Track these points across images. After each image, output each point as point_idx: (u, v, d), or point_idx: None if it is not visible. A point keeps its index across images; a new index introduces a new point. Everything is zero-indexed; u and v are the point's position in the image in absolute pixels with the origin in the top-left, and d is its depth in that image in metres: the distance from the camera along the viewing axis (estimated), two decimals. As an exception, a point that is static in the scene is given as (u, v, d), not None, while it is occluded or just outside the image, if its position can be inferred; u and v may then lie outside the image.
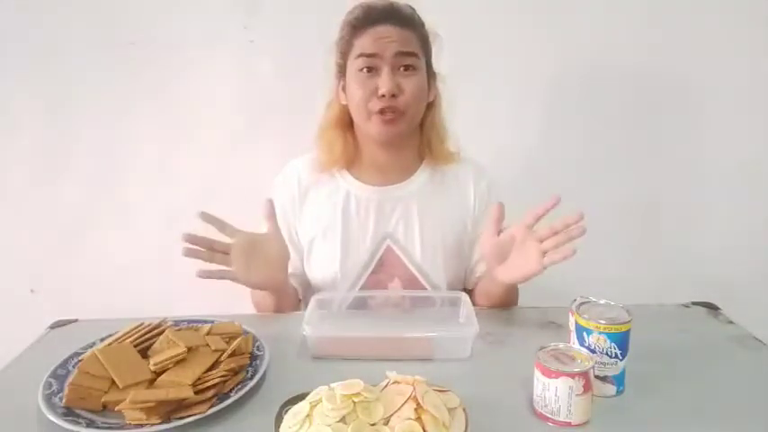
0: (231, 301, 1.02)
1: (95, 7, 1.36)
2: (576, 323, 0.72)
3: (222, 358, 0.74)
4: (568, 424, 0.65)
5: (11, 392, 0.76)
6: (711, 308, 0.97)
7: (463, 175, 1.10)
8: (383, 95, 0.96)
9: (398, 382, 0.64)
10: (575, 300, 0.75)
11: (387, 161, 1.07)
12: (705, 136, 1.45)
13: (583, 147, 1.45)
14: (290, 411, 0.62)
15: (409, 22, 1.00)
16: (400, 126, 1.00)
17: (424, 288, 1.05)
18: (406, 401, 0.60)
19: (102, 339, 0.82)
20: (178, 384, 0.68)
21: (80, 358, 0.77)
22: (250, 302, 1.07)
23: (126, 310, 0.93)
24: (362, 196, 1.07)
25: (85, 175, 1.45)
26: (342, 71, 1.04)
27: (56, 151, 1.44)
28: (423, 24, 1.03)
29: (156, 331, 0.80)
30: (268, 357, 0.78)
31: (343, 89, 1.04)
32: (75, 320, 0.97)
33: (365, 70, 0.98)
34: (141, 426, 0.64)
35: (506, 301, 1.01)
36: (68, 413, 0.67)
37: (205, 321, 0.86)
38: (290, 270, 1.05)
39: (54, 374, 0.75)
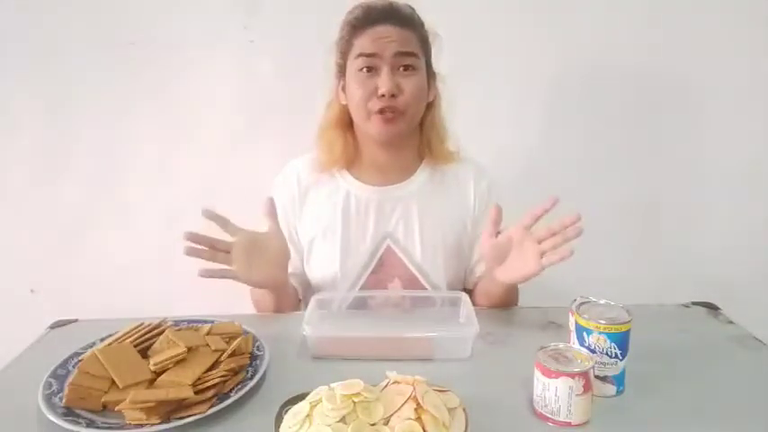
0: (231, 301, 1.02)
1: (95, 7, 1.37)
2: (576, 323, 0.72)
3: (222, 358, 0.74)
4: (568, 424, 0.65)
5: (11, 392, 0.76)
6: (711, 308, 0.97)
7: (463, 175, 1.10)
8: (383, 95, 0.96)
9: (398, 382, 0.64)
10: (575, 300, 0.75)
11: (386, 161, 1.07)
12: (705, 136, 1.45)
13: (583, 147, 1.45)
14: (290, 411, 0.62)
15: (409, 21, 1.00)
16: (400, 126, 1.00)
17: (424, 288, 1.05)
18: (406, 401, 0.60)
19: (102, 339, 0.82)
20: (178, 384, 0.68)
21: (80, 358, 0.77)
22: (250, 302, 1.07)
23: (126, 310, 0.93)
24: (362, 196, 1.07)
25: (85, 175, 1.45)
26: (342, 71, 1.04)
27: (56, 151, 1.44)
28: (422, 24, 1.03)
29: (156, 331, 0.80)
30: (268, 357, 0.78)
31: (343, 89, 1.04)
32: (75, 320, 0.97)
33: (365, 70, 0.98)
34: (141, 426, 0.64)
35: (506, 301, 1.01)
36: (68, 413, 0.67)
37: (205, 321, 0.86)
38: (289, 270, 1.05)
39: (54, 374, 0.75)
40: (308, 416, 0.60)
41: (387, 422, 0.59)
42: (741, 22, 1.37)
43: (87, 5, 1.36)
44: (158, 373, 0.71)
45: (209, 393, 0.69)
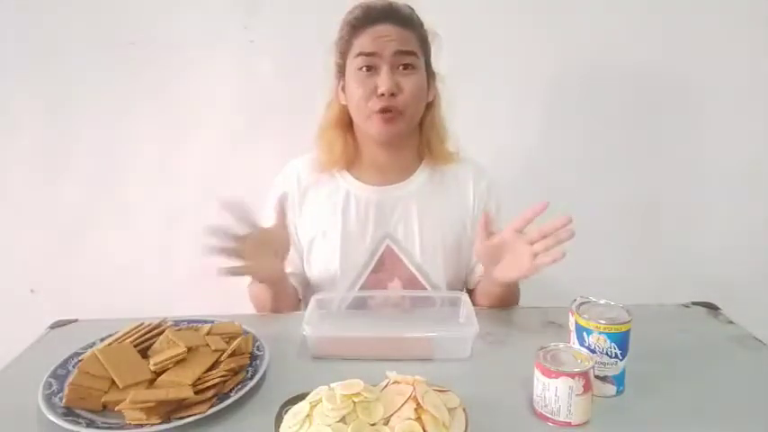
0: (231, 301, 1.02)
1: (95, 7, 1.37)
2: (576, 323, 0.72)
3: (222, 358, 0.74)
4: (568, 424, 0.65)
5: (11, 392, 0.76)
6: (711, 308, 0.97)
7: (463, 175, 1.10)
8: (382, 94, 0.96)
9: (398, 382, 0.64)
10: (575, 300, 0.75)
11: (386, 161, 1.07)
12: (705, 136, 1.45)
13: (583, 147, 1.45)
14: (290, 411, 0.62)
15: (408, 21, 1.00)
16: (399, 125, 1.00)
17: (423, 288, 1.05)
18: (406, 401, 0.60)
19: (102, 339, 0.82)
20: (178, 384, 0.68)
21: (80, 358, 0.77)
22: (250, 303, 1.07)
23: (126, 310, 0.93)
24: (362, 196, 1.07)
25: (85, 175, 1.45)
26: (341, 71, 1.04)
27: (56, 151, 1.44)
28: (422, 24, 1.03)
29: (156, 331, 0.80)
30: (268, 357, 0.78)
31: (343, 89, 1.04)
32: (76, 320, 0.97)
33: (364, 69, 0.98)
34: (141, 426, 0.64)
35: (507, 301, 1.01)
36: (68, 413, 0.67)
37: (205, 321, 0.86)
38: (290, 269, 1.05)
39: (54, 374, 0.75)
40: (308, 416, 0.60)
41: (387, 422, 0.59)
42: (741, 22, 1.37)
43: (87, 5, 1.36)
44: (158, 373, 0.71)
45: (209, 393, 0.69)
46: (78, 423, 0.65)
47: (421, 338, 0.81)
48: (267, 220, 1.07)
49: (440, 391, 0.64)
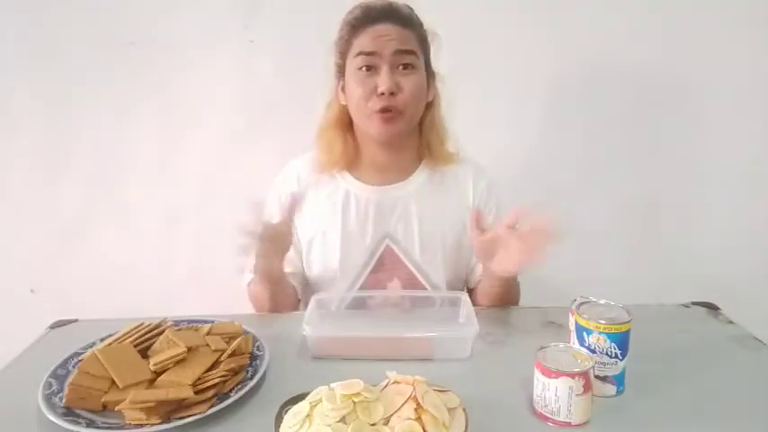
0: (231, 301, 1.02)
1: (95, 7, 1.37)
2: (576, 323, 0.72)
3: (222, 358, 0.74)
4: (568, 424, 0.65)
5: (11, 392, 0.76)
6: (711, 308, 0.97)
7: (462, 175, 1.10)
8: (382, 93, 0.96)
9: (398, 382, 0.64)
10: (575, 300, 0.75)
11: (386, 161, 1.07)
12: (705, 136, 1.45)
13: (583, 147, 1.45)
14: (290, 411, 0.62)
15: (408, 21, 1.00)
16: (399, 125, 1.00)
17: (423, 287, 1.05)
18: (406, 401, 0.60)
19: (102, 339, 0.82)
20: (178, 384, 0.68)
21: (80, 358, 0.77)
22: (249, 302, 1.07)
23: (126, 310, 0.93)
24: (362, 196, 1.07)
25: (85, 175, 1.45)
26: (341, 71, 1.04)
27: (56, 151, 1.44)
28: (421, 24, 1.03)
29: (156, 331, 0.80)
30: (268, 357, 0.78)
31: (343, 89, 1.04)
32: (76, 320, 0.97)
33: (364, 69, 0.98)
34: (141, 426, 0.64)
35: (507, 299, 1.01)
36: (68, 413, 0.67)
37: (205, 321, 0.86)
38: (289, 269, 1.05)
39: (54, 374, 0.75)
40: (308, 416, 0.60)
41: (387, 422, 0.59)
42: (741, 22, 1.37)
43: (87, 5, 1.36)
44: (158, 373, 0.71)
45: (209, 393, 0.69)
46: (78, 423, 0.65)
47: (421, 338, 0.81)
48: (267, 219, 1.07)
49: (440, 391, 0.64)
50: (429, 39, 1.04)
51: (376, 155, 1.07)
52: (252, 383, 0.72)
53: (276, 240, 0.93)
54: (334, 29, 1.04)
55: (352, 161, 1.08)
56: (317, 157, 1.09)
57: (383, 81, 0.96)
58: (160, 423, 0.64)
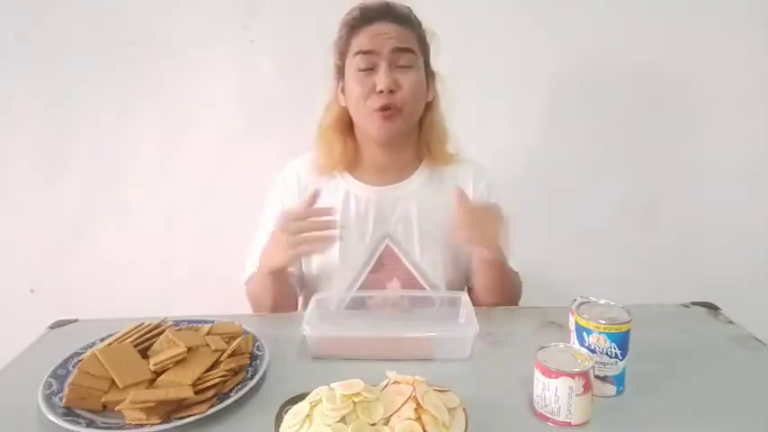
0: (231, 301, 1.02)
1: (95, 7, 1.37)
2: (576, 323, 0.72)
3: (222, 358, 0.74)
4: (568, 424, 0.65)
5: (11, 392, 0.76)
6: (711, 308, 0.97)
7: (462, 176, 1.10)
8: (381, 91, 0.96)
9: (398, 382, 0.64)
10: (575, 300, 0.75)
11: (386, 161, 1.07)
12: (705, 136, 1.45)
13: (583, 147, 1.45)
14: (290, 411, 0.62)
15: (406, 20, 1.01)
16: (399, 123, 1.00)
17: (423, 287, 1.05)
18: (406, 401, 0.60)
19: (102, 339, 0.82)
20: (178, 384, 0.68)
21: (80, 358, 0.77)
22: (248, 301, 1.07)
23: (126, 310, 0.93)
24: (362, 196, 1.07)
25: (85, 175, 1.45)
26: (341, 72, 1.04)
27: (56, 151, 1.44)
28: (420, 24, 1.03)
29: (156, 331, 0.80)
30: (268, 357, 0.78)
31: (343, 91, 1.04)
32: (76, 320, 0.97)
33: (363, 68, 0.98)
34: (141, 426, 0.64)
35: (502, 290, 1.01)
36: (68, 413, 0.67)
37: (205, 321, 0.86)
38: (290, 268, 1.05)
39: (54, 374, 0.75)
40: (308, 416, 0.60)
41: (387, 422, 0.59)
42: (741, 22, 1.37)
43: (87, 5, 1.37)
44: (158, 373, 0.71)
45: (209, 393, 0.69)
46: (78, 423, 0.65)
47: (421, 338, 0.81)
48: (268, 219, 1.07)
49: (440, 391, 0.64)
50: (428, 39, 1.04)
51: (376, 155, 1.07)
52: (252, 383, 0.72)
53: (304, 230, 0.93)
54: (334, 29, 1.04)
55: (351, 162, 1.08)
56: (317, 159, 1.09)
57: (381, 79, 0.96)
58: (160, 423, 0.64)
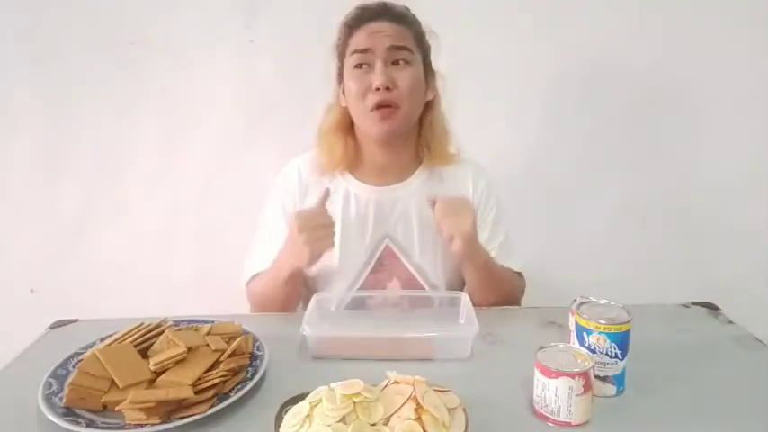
0: (231, 301, 1.02)
1: (95, 7, 1.37)
2: (576, 323, 0.72)
3: (222, 358, 0.74)
4: (568, 424, 0.65)
5: (11, 392, 0.76)
6: (711, 308, 0.97)
7: (462, 176, 1.10)
8: (377, 89, 0.96)
9: (398, 382, 0.64)
10: (575, 300, 0.75)
11: (386, 161, 1.07)
12: (705, 136, 1.45)
13: (582, 147, 1.45)
14: (290, 411, 0.62)
15: (403, 18, 1.01)
16: (397, 120, 0.99)
17: (422, 287, 1.05)
18: (406, 401, 0.60)
19: (102, 339, 0.82)
20: (178, 384, 0.68)
21: (80, 358, 0.77)
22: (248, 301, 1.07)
23: (126, 310, 0.93)
24: (362, 196, 1.07)
25: (85, 175, 1.45)
26: (341, 73, 1.05)
27: (56, 151, 1.44)
28: (418, 22, 1.03)
29: (156, 331, 0.80)
30: (268, 357, 0.78)
31: (343, 92, 1.04)
32: (76, 320, 0.97)
33: (360, 66, 0.99)
34: (141, 426, 0.64)
35: (495, 290, 1.01)
36: (68, 413, 0.67)
37: (205, 321, 0.86)
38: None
39: (54, 374, 0.75)
40: (308, 416, 0.60)
41: (387, 422, 0.59)
42: (741, 22, 1.37)
43: (87, 5, 1.37)
44: (158, 373, 0.71)
45: (209, 393, 0.69)
46: (78, 423, 0.65)
47: (421, 338, 0.81)
48: (268, 219, 1.07)
49: (440, 391, 0.64)
50: (428, 38, 1.04)
51: (376, 155, 1.07)
52: (252, 383, 0.72)
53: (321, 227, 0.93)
54: (334, 29, 1.04)
55: (352, 162, 1.08)
56: (318, 160, 1.09)
57: (377, 76, 0.96)
58: (160, 423, 0.64)
